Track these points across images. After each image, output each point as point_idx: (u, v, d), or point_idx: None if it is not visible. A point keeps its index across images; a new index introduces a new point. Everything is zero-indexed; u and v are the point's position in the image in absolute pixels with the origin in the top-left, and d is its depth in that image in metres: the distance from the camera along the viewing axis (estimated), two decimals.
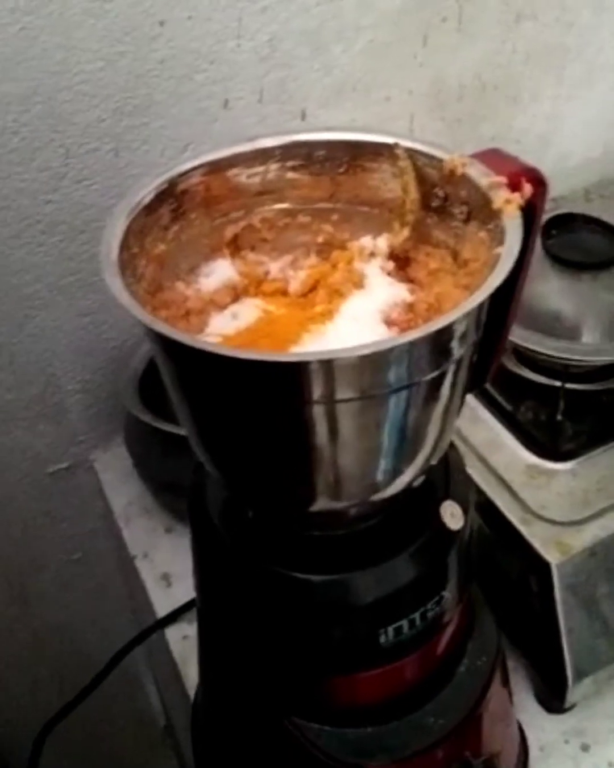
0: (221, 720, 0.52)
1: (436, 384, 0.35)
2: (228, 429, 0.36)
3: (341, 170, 0.40)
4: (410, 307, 0.38)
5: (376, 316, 0.37)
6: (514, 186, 0.36)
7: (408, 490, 0.39)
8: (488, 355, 0.43)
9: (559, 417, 0.63)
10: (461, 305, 0.31)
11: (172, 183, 0.37)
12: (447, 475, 0.45)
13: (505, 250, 0.33)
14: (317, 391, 0.32)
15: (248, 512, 0.43)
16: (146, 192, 0.36)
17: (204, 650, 0.51)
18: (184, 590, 0.67)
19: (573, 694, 0.57)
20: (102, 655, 0.73)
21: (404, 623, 0.41)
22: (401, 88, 0.76)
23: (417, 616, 0.41)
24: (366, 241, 0.41)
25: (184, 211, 0.38)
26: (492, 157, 0.38)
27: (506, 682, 0.52)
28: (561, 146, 0.90)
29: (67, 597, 0.92)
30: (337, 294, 0.39)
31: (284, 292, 0.41)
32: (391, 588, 0.40)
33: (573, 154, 0.92)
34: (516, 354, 0.67)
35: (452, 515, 0.42)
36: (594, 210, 0.79)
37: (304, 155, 0.40)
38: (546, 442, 0.61)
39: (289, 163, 0.40)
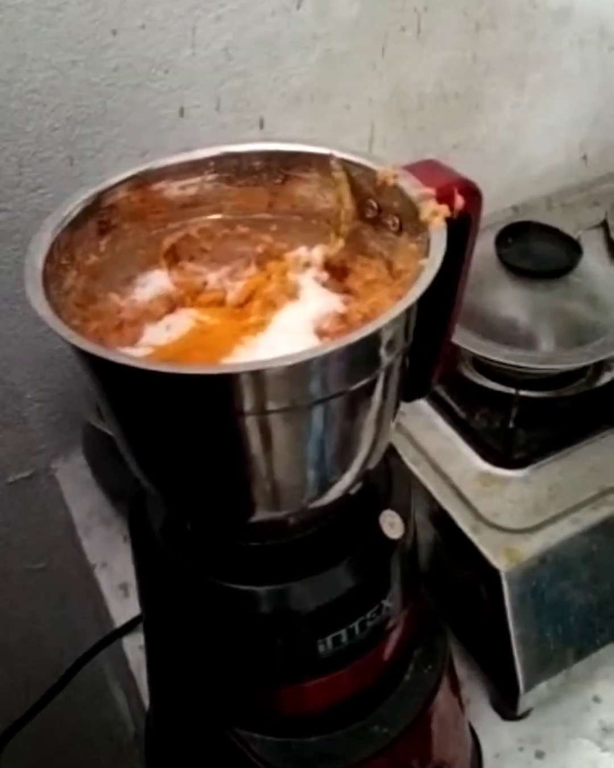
0: (170, 730, 0.52)
1: (367, 391, 0.35)
2: (159, 443, 0.36)
3: (277, 181, 0.41)
4: (343, 317, 0.38)
5: (308, 326, 0.37)
6: (446, 197, 0.36)
7: (346, 498, 0.39)
8: (428, 363, 0.44)
9: (512, 424, 0.63)
10: (383, 315, 0.31)
11: (99, 197, 0.37)
12: (389, 484, 0.45)
13: (428, 262, 0.33)
14: (247, 403, 0.32)
15: (187, 525, 0.43)
16: (73, 206, 0.36)
17: (151, 661, 0.51)
18: None
19: (526, 700, 0.57)
20: (67, 661, 0.73)
21: (343, 632, 0.41)
22: (360, 97, 0.76)
23: (356, 625, 0.41)
24: (302, 251, 0.41)
25: (115, 224, 0.38)
26: (426, 169, 0.38)
27: (455, 690, 0.52)
28: (523, 154, 0.91)
29: (31, 605, 0.92)
30: (271, 305, 0.39)
31: (221, 303, 0.41)
32: (329, 597, 0.40)
33: (536, 162, 0.92)
34: (473, 362, 0.68)
35: (391, 525, 0.42)
36: (556, 218, 0.80)
37: (237, 166, 0.40)
38: (499, 450, 0.62)
39: (225, 174, 0.40)
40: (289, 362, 0.31)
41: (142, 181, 0.38)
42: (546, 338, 0.64)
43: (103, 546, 0.73)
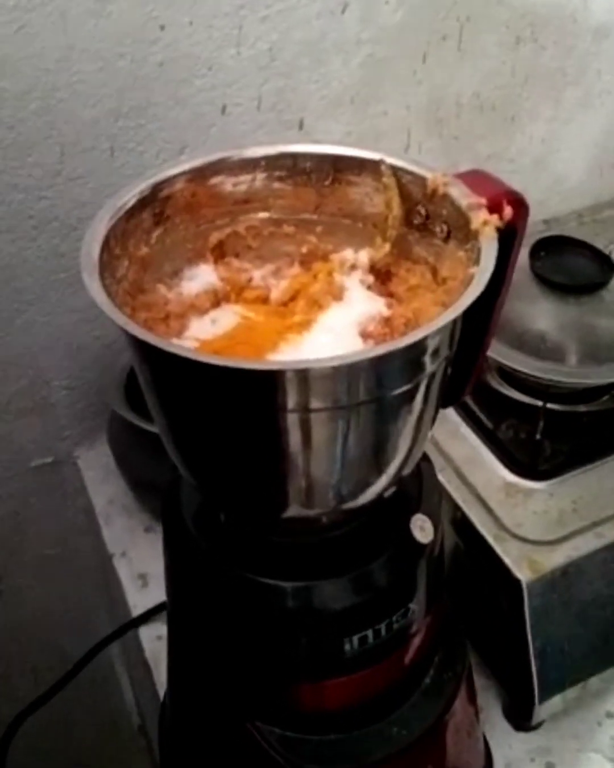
0: (187, 721, 0.52)
1: (409, 397, 0.35)
2: (201, 433, 0.36)
3: (326, 183, 0.41)
4: (387, 321, 0.39)
5: (353, 328, 0.38)
6: (495, 208, 0.36)
7: (379, 500, 0.40)
8: (465, 371, 0.44)
9: (539, 436, 0.63)
10: (433, 321, 0.32)
11: (156, 188, 0.38)
12: (420, 489, 0.45)
13: (479, 271, 0.33)
14: (290, 400, 0.32)
15: (220, 516, 0.43)
16: (129, 196, 0.36)
17: (173, 650, 0.51)
18: (160, 590, 0.67)
19: (540, 712, 0.57)
20: (77, 650, 0.73)
21: (369, 633, 0.41)
22: (399, 103, 0.77)
23: (383, 626, 0.42)
24: (348, 253, 0.41)
25: (168, 216, 0.39)
26: (476, 178, 0.38)
27: (472, 698, 0.53)
28: (556, 169, 0.91)
29: (44, 591, 0.93)
30: (316, 305, 0.39)
31: (265, 300, 0.41)
32: (358, 597, 0.40)
33: (568, 177, 0.92)
34: (499, 372, 0.68)
35: (422, 529, 0.42)
36: (586, 233, 0.80)
37: (290, 166, 0.40)
38: (525, 461, 0.62)
39: (276, 173, 0.40)
40: (338, 363, 0.31)
41: (199, 175, 0.39)
42: (575, 352, 0.65)
43: (123, 535, 0.74)
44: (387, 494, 0.40)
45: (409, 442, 0.38)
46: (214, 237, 0.41)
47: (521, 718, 0.59)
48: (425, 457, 0.46)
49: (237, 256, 0.42)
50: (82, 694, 0.91)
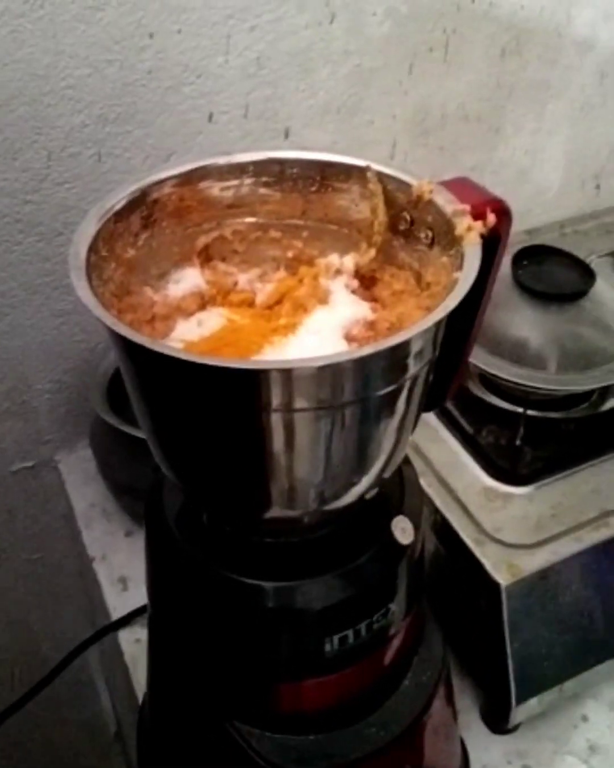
0: (166, 722, 0.52)
1: (392, 399, 0.36)
2: (186, 433, 0.37)
3: (313, 189, 0.42)
4: (371, 325, 0.39)
5: (338, 331, 0.38)
6: (479, 215, 0.37)
7: (361, 501, 0.40)
8: (448, 375, 0.45)
9: (519, 442, 0.64)
10: (418, 323, 0.32)
11: (145, 191, 0.38)
12: (401, 491, 0.46)
13: (462, 276, 0.34)
14: (274, 400, 0.33)
15: (203, 517, 0.43)
16: (118, 198, 0.37)
17: (153, 651, 0.51)
18: (140, 594, 0.67)
19: (517, 714, 0.58)
20: (56, 654, 0.73)
21: (349, 633, 0.42)
22: (385, 114, 0.78)
23: (363, 626, 0.42)
24: (334, 258, 0.42)
25: (156, 219, 0.39)
26: (460, 186, 0.39)
27: (450, 700, 0.53)
28: (538, 180, 0.92)
29: (24, 595, 0.92)
30: (301, 308, 0.40)
31: (250, 303, 0.42)
32: (338, 598, 0.41)
33: (551, 188, 0.94)
34: (480, 378, 0.69)
35: (403, 530, 0.43)
36: (568, 244, 0.81)
37: (278, 172, 0.41)
38: (505, 466, 0.63)
39: (263, 179, 0.41)
40: (322, 363, 0.31)
41: (187, 179, 0.39)
42: (555, 360, 0.66)
43: (104, 539, 0.74)
44: (369, 496, 0.40)
45: (392, 444, 0.38)
46: (201, 241, 0.42)
47: (498, 721, 0.59)
48: (407, 461, 0.46)
49: (223, 259, 0.43)
50: (60, 699, 0.91)
